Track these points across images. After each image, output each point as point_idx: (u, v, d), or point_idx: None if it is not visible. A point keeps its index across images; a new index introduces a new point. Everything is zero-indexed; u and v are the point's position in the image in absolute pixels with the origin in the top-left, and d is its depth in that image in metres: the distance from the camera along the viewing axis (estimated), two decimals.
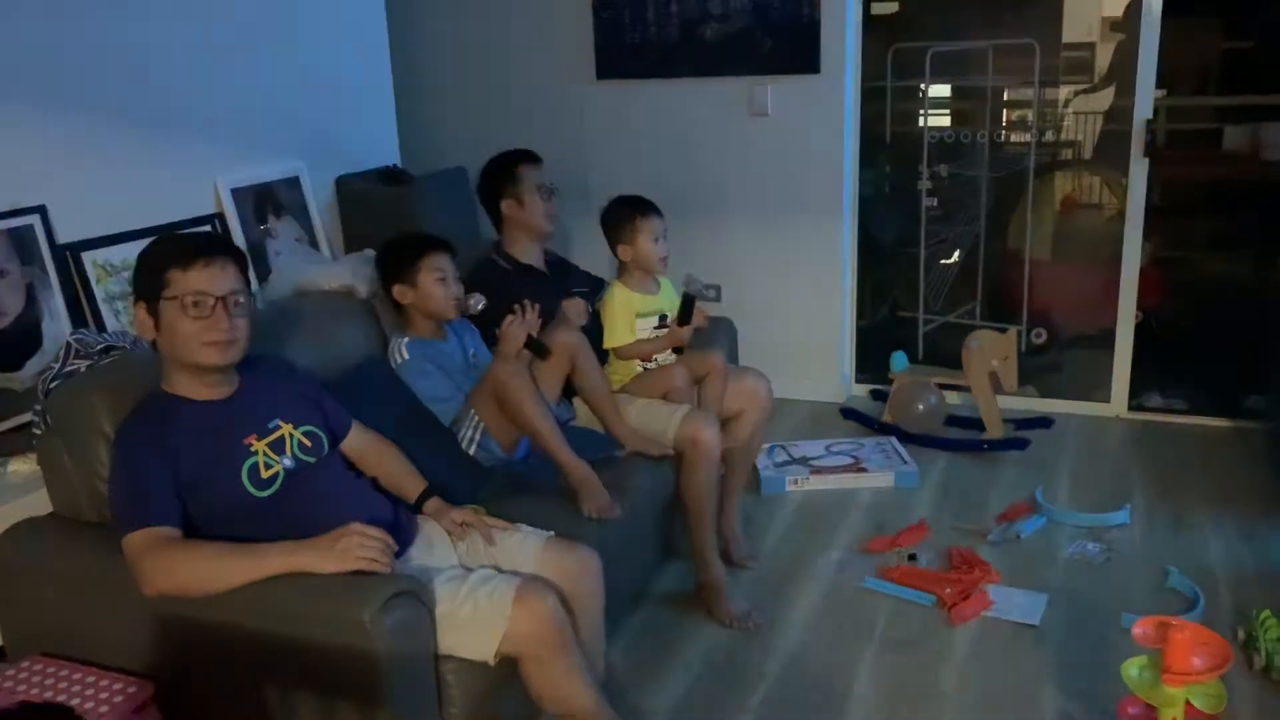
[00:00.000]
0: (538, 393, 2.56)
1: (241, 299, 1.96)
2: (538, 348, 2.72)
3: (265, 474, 1.97)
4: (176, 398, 1.97)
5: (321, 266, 2.92)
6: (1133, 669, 2.11)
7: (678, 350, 3.03)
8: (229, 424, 1.99)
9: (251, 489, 1.95)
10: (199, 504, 1.92)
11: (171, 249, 1.98)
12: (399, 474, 2.27)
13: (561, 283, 3.22)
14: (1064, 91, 4.30)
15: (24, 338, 2.50)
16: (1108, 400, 4.15)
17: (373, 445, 2.27)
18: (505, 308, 2.81)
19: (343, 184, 3.58)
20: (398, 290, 2.65)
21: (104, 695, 1.85)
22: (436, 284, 2.62)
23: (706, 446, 2.83)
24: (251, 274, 3.06)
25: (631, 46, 4.25)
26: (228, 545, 1.87)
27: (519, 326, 2.63)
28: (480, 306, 2.71)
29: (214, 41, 3.07)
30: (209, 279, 1.91)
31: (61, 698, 1.83)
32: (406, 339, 2.65)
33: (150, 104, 2.89)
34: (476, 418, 2.58)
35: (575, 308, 2.97)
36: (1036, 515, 3.27)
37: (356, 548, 1.85)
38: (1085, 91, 4.44)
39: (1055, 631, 2.69)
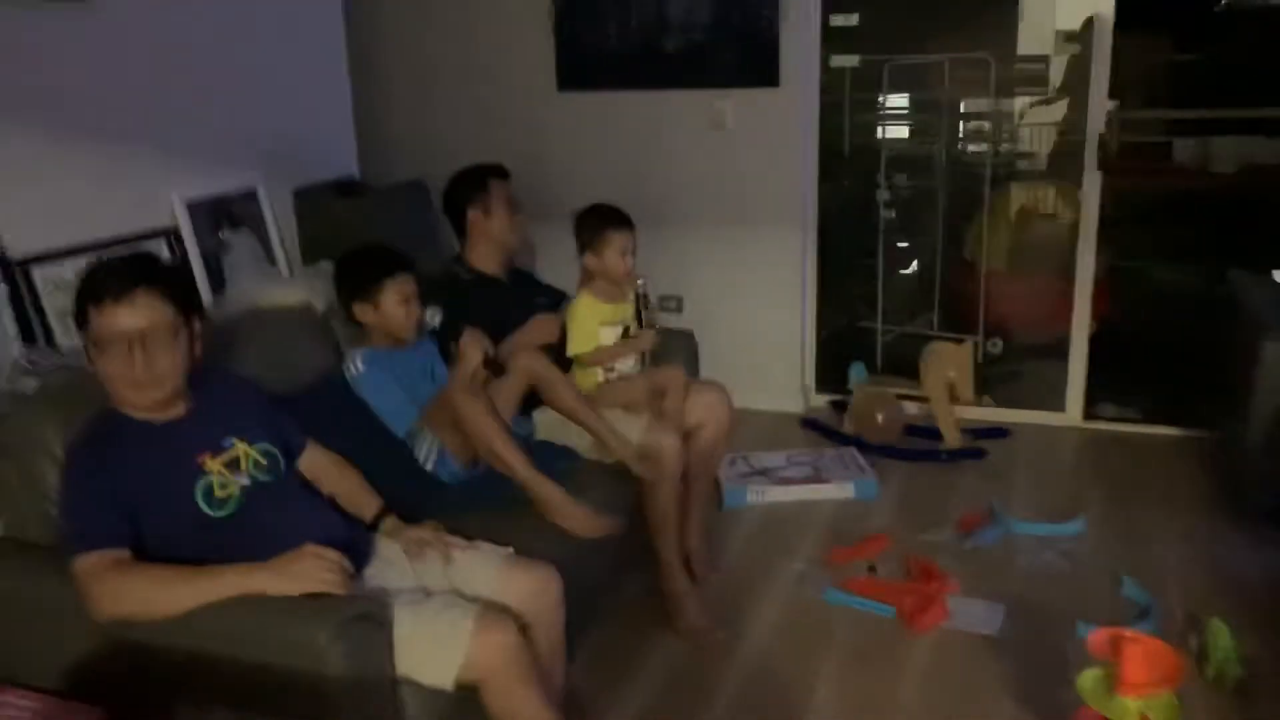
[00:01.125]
0: (494, 412, 2.54)
1: (161, 333, 1.88)
2: (494, 366, 2.71)
3: (220, 494, 1.95)
4: (125, 417, 1.94)
5: (277, 282, 2.89)
6: (1087, 681, 2.13)
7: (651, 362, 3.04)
8: (181, 442, 1.96)
9: (206, 509, 1.93)
10: (151, 524, 1.89)
11: (88, 283, 1.89)
12: (355, 493, 2.25)
13: (522, 293, 3.21)
14: (1019, 104, 4.36)
15: None
16: (1063, 409, 4.21)
17: (328, 464, 2.25)
18: (463, 318, 2.80)
19: (300, 196, 3.55)
20: (358, 309, 2.62)
21: None
22: (399, 306, 2.59)
23: (668, 459, 2.83)
24: (206, 288, 3.06)
25: (592, 58, 4.25)
26: (179, 568, 1.84)
27: (474, 346, 2.61)
28: (438, 320, 2.69)
29: (169, 53, 3.04)
30: (120, 317, 1.84)
31: None
32: (362, 350, 2.62)
33: (104, 116, 2.85)
34: (433, 436, 2.56)
35: (544, 327, 2.95)
36: (994, 525, 3.30)
37: (312, 569, 1.83)
38: (1040, 104, 4.50)
39: (1013, 642, 2.72)
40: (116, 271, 1.89)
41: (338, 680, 1.75)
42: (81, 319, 1.88)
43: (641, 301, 3.04)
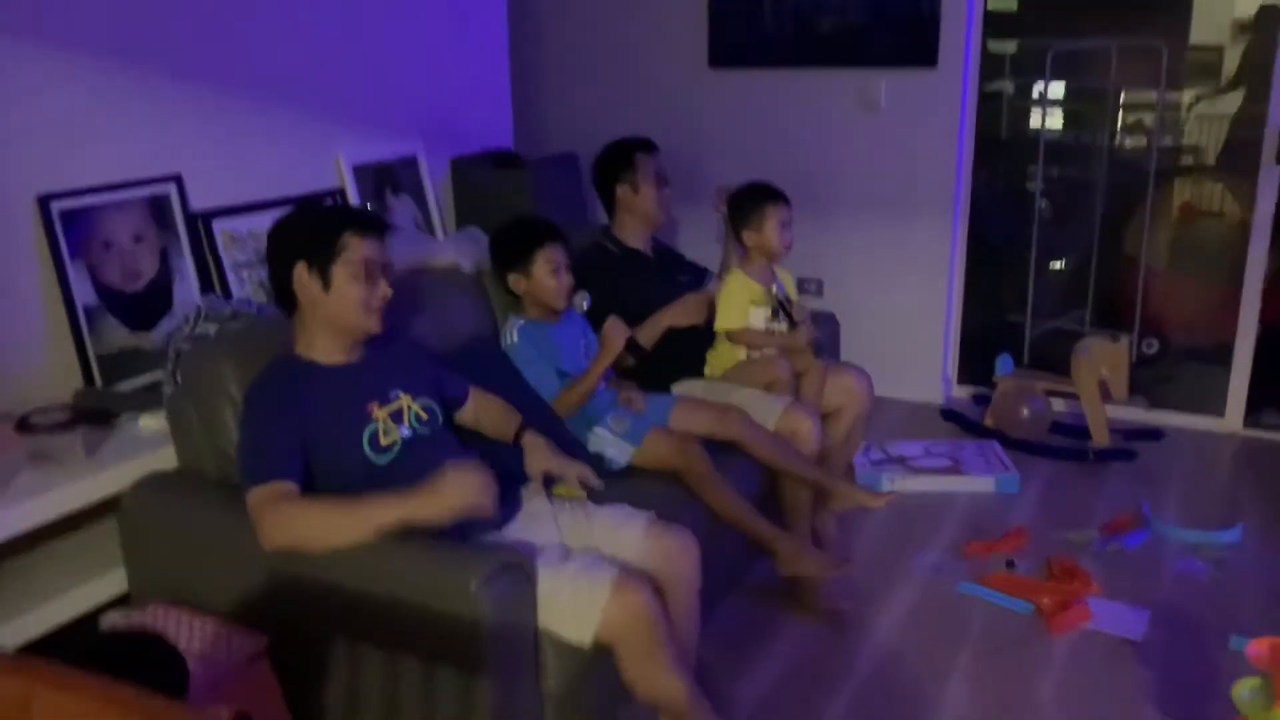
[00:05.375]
0: (722, 479, 2.57)
1: (390, 270, 2.09)
2: (634, 349, 2.74)
3: (384, 441, 2.04)
4: (306, 361, 2.05)
5: (426, 246, 2.98)
6: (1244, 690, 2.04)
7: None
8: (354, 389, 2.05)
9: (370, 454, 2.02)
10: (320, 465, 1.99)
11: (347, 216, 2.14)
12: (502, 419, 2.36)
13: (667, 270, 3.24)
14: (1188, 95, 4.17)
15: (156, 300, 2.62)
16: (1222, 415, 4.01)
17: (485, 403, 2.36)
18: (611, 292, 2.84)
19: (457, 165, 3.65)
20: (512, 279, 2.69)
21: (221, 643, 1.93)
22: (550, 275, 2.65)
23: (806, 440, 2.82)
24: None
25: (746, 36, 4.24)
26: (341, 500, 1.93)
27: (616, 333, 2.65)
28: (586, 305, 2.73)
29: (341, 23, 3.16)
30: (376, 248, 2.05)
31: (183, 644, 1.91)
32: (521, 321, 2.70)
33: (280, 82, 2.99)
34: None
35: (691, 306, 2.96)
36: (1142, 528, 3.18)
37: (456, 484, 1.88)
38: (1211, 95, 4.30)
39: (1158, 648, 2.62)
40: (365, 211, 2.20)
41: (484, 625, 1.81)
42: (328, 248, 1.99)
43: (783, 305, 3.03)
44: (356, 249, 2.02)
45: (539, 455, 2.27)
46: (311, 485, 1.98)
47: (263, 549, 1.90)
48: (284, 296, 2.07)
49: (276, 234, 2.08)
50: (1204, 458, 3.81)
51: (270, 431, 1.96)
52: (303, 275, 2.01)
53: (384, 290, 2.06)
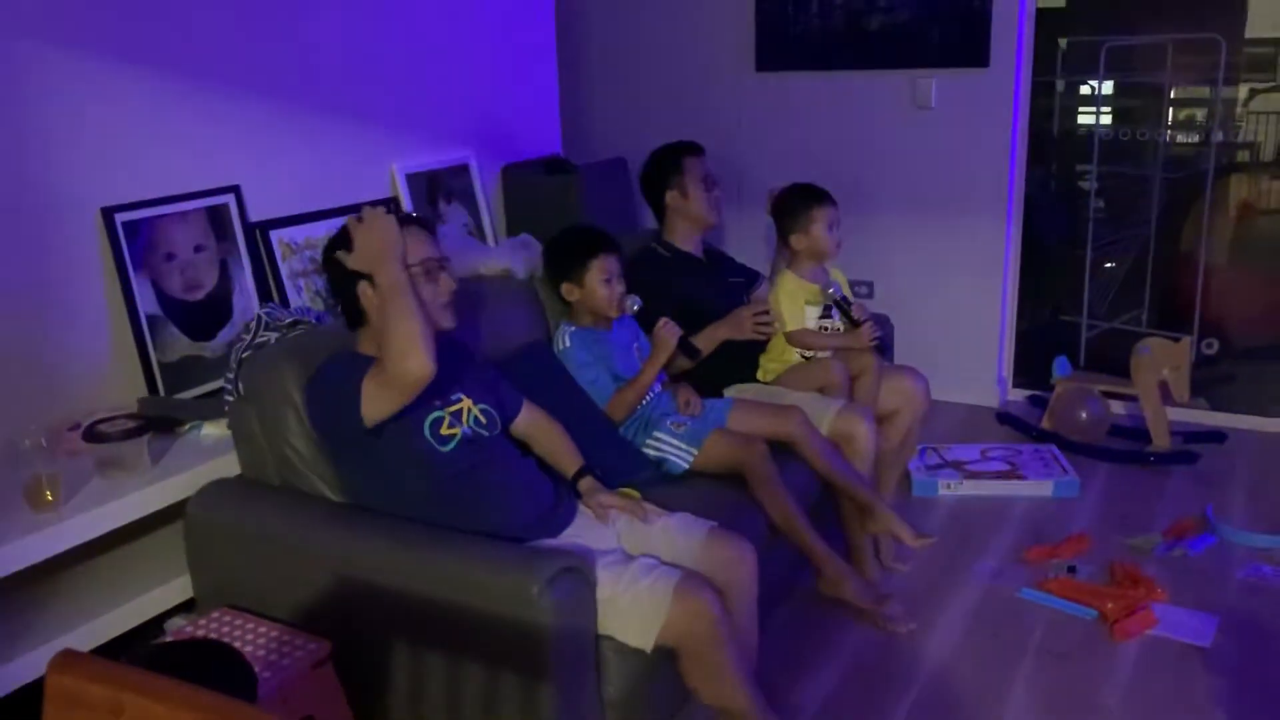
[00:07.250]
0: (782, 483, 2.55)
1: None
2: (689, 350, 2.74)
3: (445, 431, 2.05)
4: (370, 358, 2.01)
5: (480, 252, 3.00)
6: None
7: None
8: None
9: (432, 440, 2.03)
10: (387, 440, 1.99)
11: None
12: (560, 451, 2.33)
13: (719, 273, 3.23)
14: (1243, 90, 4.08)
15: (217, 309, 2.65)
16: None
17: (540, 422, 2.34)
18: (663, 297, 2.83)
19: (508, 172, 3.67)
20: (565, 288, 2.69)
21: (286, 649, 1.94)
22: (602, 285, 2.65)
23: (861, 443, 2.80)
24: None
25: (793, 37, 4.22)
26: (383, 314, 1.94)
27: (670, 330, 2.65)
28: (636, 308, 2.71)
29: (392, 34, 3.19)
30: (429, 245, 2.10)
31: (248, 649, 1.93)
32: (573, 328, 2.70)
33: (333, 93, 3.01)
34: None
35: (747, 323, 2.95)
36: (1206, 533, 3.12)
37: (370, 228, 1.98)
38: (1268, 90, 4.21)
39: (1227, 655, 2.57)
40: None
41: (547, 630, 1.81)
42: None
43: (841, 306, 3.01)
44: (410, 252, 2.01)
45: (596, 499, 2.24)
46: (378, 458, 2.03)
47: (413, 379, 1.89)
48: (351, 312, 2.08)
49: (333, 257, 2.07)
50: (1269, 460, 3.72)
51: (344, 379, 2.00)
52: (367, 292, 2.01)
53: (446, 284, 2.08)
